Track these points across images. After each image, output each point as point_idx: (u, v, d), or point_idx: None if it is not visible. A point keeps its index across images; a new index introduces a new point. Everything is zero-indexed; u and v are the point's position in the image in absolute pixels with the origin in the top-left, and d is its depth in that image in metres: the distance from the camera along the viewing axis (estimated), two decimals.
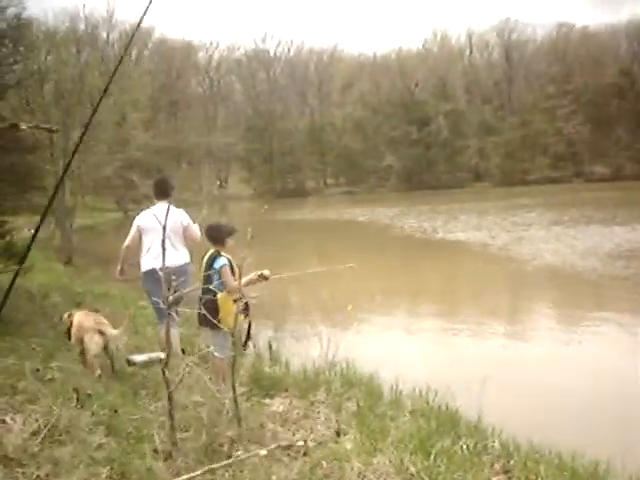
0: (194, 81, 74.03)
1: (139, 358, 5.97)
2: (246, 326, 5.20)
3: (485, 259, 15.34)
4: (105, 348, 5.33)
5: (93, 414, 4.50)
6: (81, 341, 5.36)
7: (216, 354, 5.19)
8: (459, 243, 18.17)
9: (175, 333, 6.22)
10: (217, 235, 5.05)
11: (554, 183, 49.06)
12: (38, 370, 5.57)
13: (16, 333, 7.02)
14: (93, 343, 5.23)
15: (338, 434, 4.15)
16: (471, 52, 70.45)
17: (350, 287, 13.04)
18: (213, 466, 3.24)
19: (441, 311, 10.15)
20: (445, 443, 3.85)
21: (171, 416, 3.66)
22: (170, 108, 66.17)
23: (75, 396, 4.82)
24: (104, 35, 60.91)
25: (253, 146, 64.20)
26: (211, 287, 4.84)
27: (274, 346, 6.76)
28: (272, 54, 72.46)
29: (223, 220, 5.14)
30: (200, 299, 5.03)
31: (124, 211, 42.88)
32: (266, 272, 4.95)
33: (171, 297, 3.81)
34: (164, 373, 3.63)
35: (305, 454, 3.86)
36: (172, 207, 6.57)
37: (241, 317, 4.98)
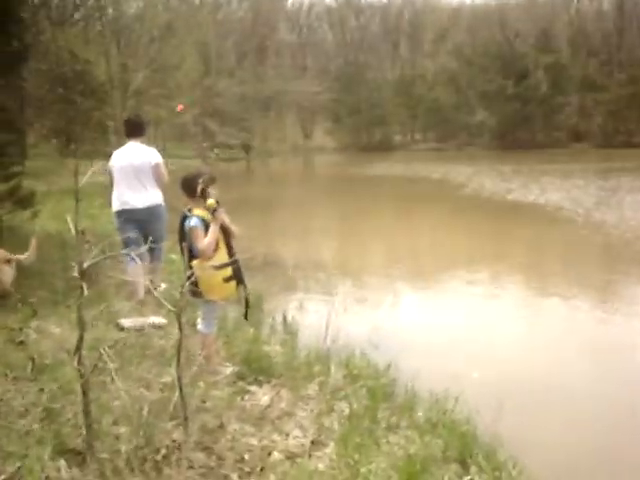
0: (283, 28, 72.83)
1: (128, 322, 5.26)
2: (243, 295, 4.35)
3: (553, 223, 13.71)
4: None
5: (42, 390, 3.85)
6: None
7: (199, 327, 4.38)
8: (529, 206, 16.43)
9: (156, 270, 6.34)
10: (192, 186, 4.08)
11: None
12: (14, 329, 5.03)
13: (23, 285, 6.51)
14: (5, 274, 5.49)
15: (315, 445, 3.26)
16: (579, 0, 65.14)
17: (382, 247, 12.02)
18: None
19: (483, 280, 8.83)
20: (447, 475, 2.89)
21: (86, 412, 2.85)
22: (257, 55, 65.32)
23: (30, 366, 4.18)
24: None
25: (340, 97, 62.65)
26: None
27: (289, 317, 5.88)
28: (363, 1, 70.08)
29: (203, 168, 4.15)
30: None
31: (202, 158, 42.88)
32: (210, 201, 3.99)
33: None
34: (77, 357, 2.80)
35: (262, 470, 3.00)
36: (143, 146, 6.30)
37: (230, 285, 4.15)
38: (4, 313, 5.31)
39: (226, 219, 4.09)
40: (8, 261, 5.54)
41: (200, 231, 3.96)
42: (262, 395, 3.94)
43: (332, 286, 8.34)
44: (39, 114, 36.84)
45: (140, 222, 6.11)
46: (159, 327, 5.28)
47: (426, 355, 5.11)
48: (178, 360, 3.03)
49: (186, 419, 3.08)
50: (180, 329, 3.01)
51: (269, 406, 3.76)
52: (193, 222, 3.97)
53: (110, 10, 42.39)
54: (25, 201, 6.44)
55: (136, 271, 5.86)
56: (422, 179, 26.34)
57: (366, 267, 9.84)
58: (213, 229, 3.96)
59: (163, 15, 38.09)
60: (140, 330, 5.14)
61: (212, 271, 3.90)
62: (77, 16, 44.55)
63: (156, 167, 6.14)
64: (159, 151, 6.65)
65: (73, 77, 32.85)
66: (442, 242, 12.01)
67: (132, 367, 4.18)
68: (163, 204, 6.23)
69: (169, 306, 3.06)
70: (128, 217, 6.18)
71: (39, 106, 37.35)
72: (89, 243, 2.82)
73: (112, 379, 3.97)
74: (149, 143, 6.80)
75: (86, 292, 2.70)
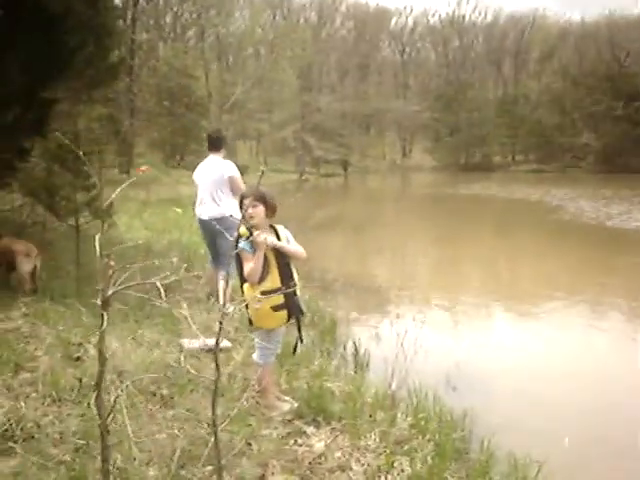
0: (386, 46, 72.90)
1: (189, 344, 4.99)
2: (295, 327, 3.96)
3: None
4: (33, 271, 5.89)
5: (83, 415, 3.60)
6: (7, 262, 5.87)
7: (254, 357, 4.03)
8: (631, 233, 15.13)
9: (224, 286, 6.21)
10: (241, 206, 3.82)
11: None
12: (74, 345, 4.87)
13: (95, 295, 6.45)
14: (25, 265, 5.82)
15: None
16: None
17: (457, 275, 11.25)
18: None
19: (583, 315, 7.96)
20: None
21: (104, 457, 2.54)
22: (359, 72, 65.58)
23: (78, 386, 3.97)
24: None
25: (441, 116, 61.76)
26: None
27: (362, 348, 5.44)
28: (467, 19, 68.90)
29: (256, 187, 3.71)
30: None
31: (300, 173, 43.18)
32: (242, 230, 3.60)
33: None
34: (96, 394, 2.50)
35: None
36: (220, 159, 6.43)
37: (280, 314, 3.74)
38: (69, 324, 5.19)
39: (276, 242, 3.70)
40: (28, 254, 5.83)
41: (247, 254, 3.62)
42: (317, 440, 3.52)
43: (417, 313, 7.80)
44: (146, 126, 38.49)
45: (210, 233, 6.38)
46: (222, 350, 4.99)
47: (513, 403, 4.51)
48: (214, 406, 2.67)
49: (220, 469, 2.72)
50: (217, 365, 2.66)
51: (322, 455, 3.35)
52: (241, 244, 3.63)
53: (220, 28, 43.88)
54: (102, 212, 6.38)
55: (213, 275, 6.61)
56: (519, 201, 25.27)
57: (456, 294, 9.19)
58: (256, 255, 3.60)
59: (267, 32, 38.84)
60: (201, 352, 4.88)
61: (260, 298, 3.55)
62: (190, 34, 46.44)
63: (230, 180, 6.28)
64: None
65: (178, 91, 34.03)
66: (536, 269, 11.20)
67: (181, 397, 3.89)
68: (234, 216, 6.12)
69: (197, 331, 2.72)
70: (202, 228, 6.62)
71: (147, 118, 39.01)
72: (112, 268, 2.49)
73: (151, 413, 3.72)
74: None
75: (105, 324, 2.38)
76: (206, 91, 19.47)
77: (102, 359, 2.51)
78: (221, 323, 2.74)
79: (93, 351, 4.75)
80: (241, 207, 3.81)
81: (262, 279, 3.61)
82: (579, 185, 33.09)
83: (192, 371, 2.97)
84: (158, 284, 2.49)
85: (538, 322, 7.61)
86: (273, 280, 3.64)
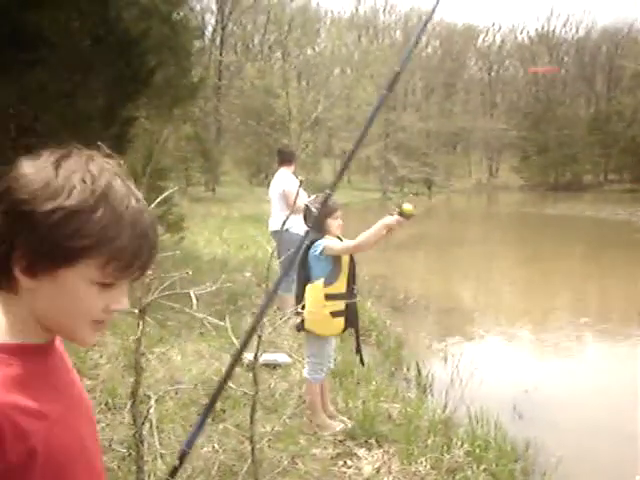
0: (473, 64, 71.94)
1: (250, 357, 4.95)
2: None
3: None
4: None
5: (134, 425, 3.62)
6: None
7: (304, 372, 3.94)
8: None
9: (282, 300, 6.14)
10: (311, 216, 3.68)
11: None
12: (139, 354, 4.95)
13: (163, 306, 6.56)
14: None
15: None
16: None
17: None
18: None
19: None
20: None
21: (138, 467, 2.52)
22: (445, 91, 64.89)
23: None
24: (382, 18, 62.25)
25: (529, 134, 60.09)
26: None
27: (426, 370, 5.24)
28: (557, 34, 67.00)
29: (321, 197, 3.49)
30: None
31: (383, 192, 42.95)
32: (407, 206, 3.26)
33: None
34: (131, 402, 2.49)
35: None
36: (285, 173, 6.63)
37: (337, 321, 3.64)
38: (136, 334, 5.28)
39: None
40: None
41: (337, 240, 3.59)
42: (367, 463, 3.39)
43: (490, 336, 7.50)
44: (233, 144, 39.56)
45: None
46: (281, 366, 4.95)
47: (583, 436, 4.18)
48: (252, 421, 2.61)
49: None
50: (255, 380, 2.61)
51: (371, 479, 3.21)
52: (325, 242, 3.55)
53: (308, 50, 44.70)
54: (174, 226, 6.53)
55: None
56: (603, 220, 24.30)
57: (536, 317, 8.74)
58: (379, 226, 3.30)
59: (352, 52, 39.20)
60: (261, 366, 4.84)
61: (323, 299, 3.50)
62: (277, 54, 47.59)
63: (282, 193, 6.44)
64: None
65: (263, 110, 34.75)
66: (619, 293, 10.52)
67: (234, 410, 3.86)
68: (291, 230, 6.10)
69: (236, 342, 2.66)
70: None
71: (233, 137, 40.08)
72: (150, 276, 2.49)
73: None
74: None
75: (139, 334, 2.37)
76: (287, 109, 19.90)
77: (138, 369, 2.52)
78: (260, 337, 2.69)
79: (155, 361, 4.82)
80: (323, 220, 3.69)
81: (330, 282, 3.56)
82: None
83: (231, 385, 2.90)
84: (192, 294, 2.47)
85: (625, 351, 7.09)
86: (340, 285, 3.57)
